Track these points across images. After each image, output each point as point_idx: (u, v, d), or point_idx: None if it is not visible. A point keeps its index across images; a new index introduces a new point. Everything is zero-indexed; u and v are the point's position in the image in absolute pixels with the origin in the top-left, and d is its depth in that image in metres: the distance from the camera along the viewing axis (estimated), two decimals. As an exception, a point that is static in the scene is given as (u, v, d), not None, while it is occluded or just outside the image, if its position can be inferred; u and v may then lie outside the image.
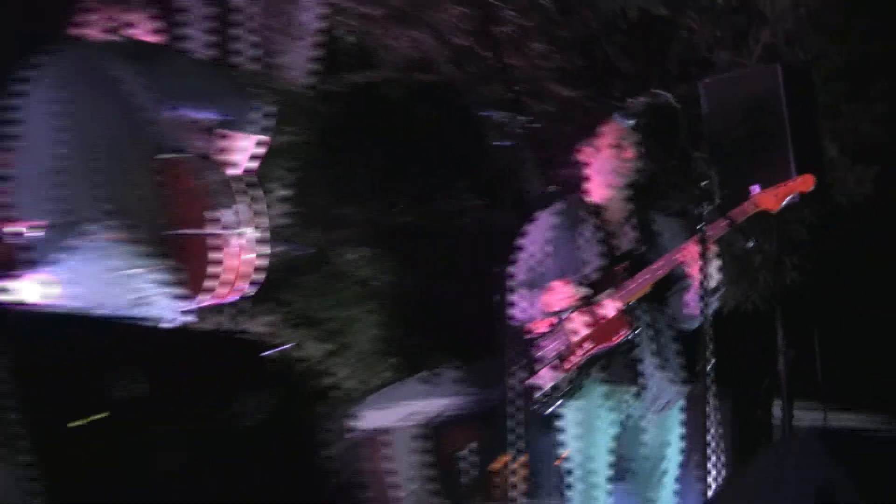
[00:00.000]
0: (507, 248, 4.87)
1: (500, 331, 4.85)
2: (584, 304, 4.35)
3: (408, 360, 8.32)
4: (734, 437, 7.61)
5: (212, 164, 3.69)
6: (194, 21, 6.71)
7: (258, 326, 6.41)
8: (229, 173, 3.66)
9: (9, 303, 3.81)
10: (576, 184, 4.70)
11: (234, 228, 3.54)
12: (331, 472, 2.56)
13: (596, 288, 4.39)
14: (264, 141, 3.78)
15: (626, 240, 4.47)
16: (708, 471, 3.88)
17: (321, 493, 2.32)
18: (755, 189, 4.34)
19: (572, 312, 4.38)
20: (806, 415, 5.67)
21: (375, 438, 7.94)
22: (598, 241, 4.48)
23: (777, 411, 6.30)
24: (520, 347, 4.66)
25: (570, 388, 4.44)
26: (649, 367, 4.33)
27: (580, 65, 7.20)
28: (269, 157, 4.06)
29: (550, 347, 4.49)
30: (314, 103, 7.22)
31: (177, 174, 3.62)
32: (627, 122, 4.42)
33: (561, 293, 4.39)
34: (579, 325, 4.41)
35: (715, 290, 4.09)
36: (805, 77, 5.04)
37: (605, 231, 4.51)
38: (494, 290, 4.84)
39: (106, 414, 1.94)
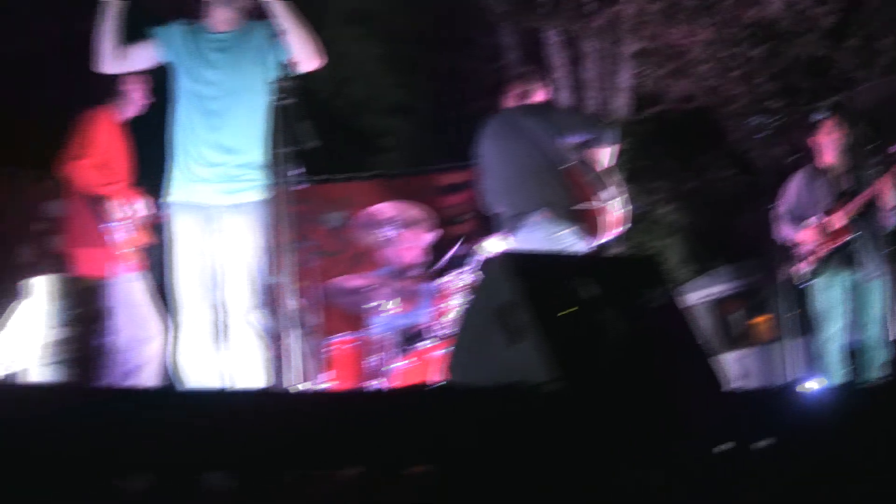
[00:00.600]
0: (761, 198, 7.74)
1: (767, 243, 7.38)
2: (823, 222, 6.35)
3: (701, 266, 12.90)
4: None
5: (590, 166, 5.51)
6: (561, 83, 10.48)
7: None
8: (599, 170, 5.51)
9: (485, 253, 6.00)
10: (811, 156, 6.66)
11: (609, 200, 5.44)
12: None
13: (829, 213, 6.32)
14: (615, 149, 5.61)
15: (845, 184, 6.39)
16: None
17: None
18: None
19: (816, 225, 6.40)
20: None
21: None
22: (828, 187, 6.41)
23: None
24: (783, 252, 6.84)
25: (817, 271, 6.39)
26: (863, 255, 6.21)
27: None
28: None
29: (804, 249, 6.44)
30: (634, 126, 10.59)
31: (574, 174, 5.45)
32: (832, 117, 6.57)
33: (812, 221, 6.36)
34: (822, 233, 6.36)
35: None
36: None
37: (832, 181, 6.42)
38: (760, 222, 7.44)
39: (575, 309, 2.91)
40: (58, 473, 1.84)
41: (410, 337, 6.75)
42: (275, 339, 4.39)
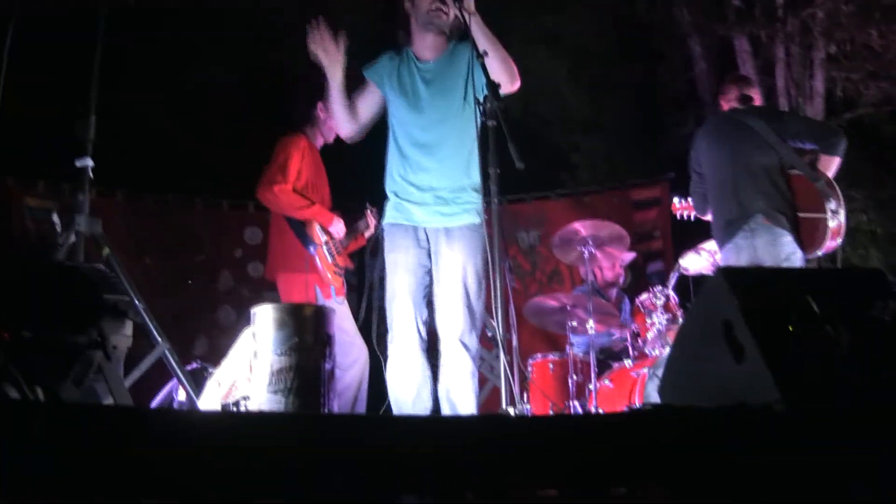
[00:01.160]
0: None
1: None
2: None
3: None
4: None
5: (818, 173, 5.26)
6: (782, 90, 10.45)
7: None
8: (826, 179, 5.24)
9: (685, 269, 6.16)
10: None
11: (833, 211, 5.16)
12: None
13: None
14: (839, 160, 5.30)
15: None
16: None
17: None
18: None
19: None
20: None
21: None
22: None
23: None
24: None
25: None
26: None
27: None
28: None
29: None
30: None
31: (801, 181, 5.31)
32: None
33: None
34: None
35: None
36: None
37: None
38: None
39: (800, 324, 2.75)
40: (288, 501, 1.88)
41: (610, 356, 6.71)
42: (484, 362, 4.42)
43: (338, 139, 5.94)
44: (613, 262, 7.18)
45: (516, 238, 9.21)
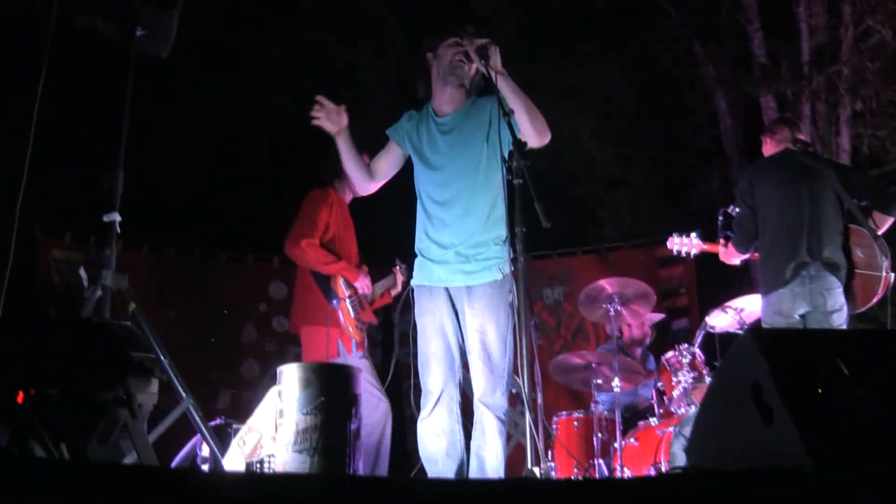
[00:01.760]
0: None
1: None
2: None
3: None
4: None
5: (872, 231, 5.31)
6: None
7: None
8: (878, 236, 5.28)
9: (711, 329, 6.17)
10: None
11: (883, 270, 5.24)
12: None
13: None
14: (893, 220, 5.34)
15: None
16: None
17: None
18: None
19: None
20: None
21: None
22: None
23: None
24: None
25: None
26: None
27: None
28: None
29: None
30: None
31: (860, 236, 5.32)
32: None
33: None
34: None
35: None
36: None
37: None
38: None
39: (831, 387, 2.68)
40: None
41: (635, 414, 6.65)
42: (512, 421, 4.39)
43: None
44: (642, 320, 7.15)
45: (541, 294, 9.21)
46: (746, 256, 5.79)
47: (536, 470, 3.55)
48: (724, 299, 6.21)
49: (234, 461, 3.97)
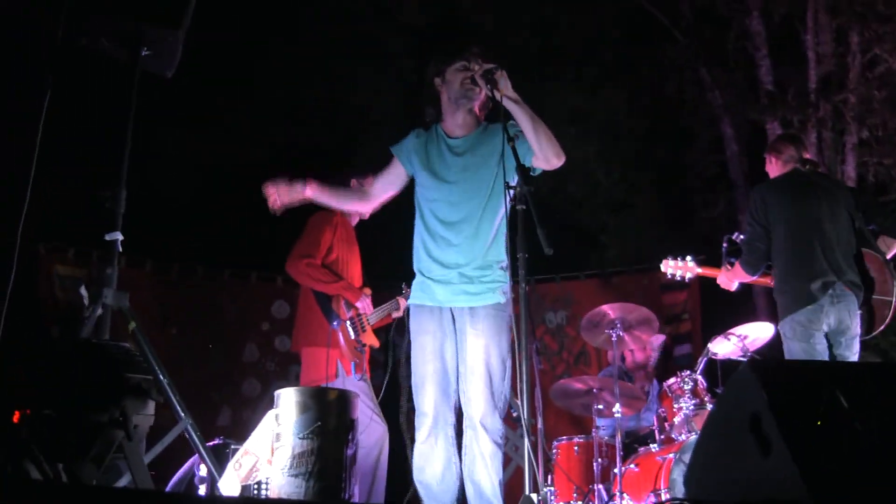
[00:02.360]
0: None
1: None
2: None
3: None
4: None
5: (884, 255, 5.32)
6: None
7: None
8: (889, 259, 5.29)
9: (713, 355, 6.05)
10: None
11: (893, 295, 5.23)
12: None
13: None
14: None
15: None
16: None
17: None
18: None
19: None
20: None
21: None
22: None
23: None
24: None
25: None
26: None
27: None
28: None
29: None
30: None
31: (873, 260, 5.33)
32: None
33: None
34: None
35: None
36: None
37: None
38: None
39: (831, 419, 2.69)
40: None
41: (636, 440, 6.63)
42: (508, 441, 4.37)
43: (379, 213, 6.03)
44: (644, 344, 7.12)
45: (544, 318, 9.20)
46: (753, 278, 5.66)
47: (534, 496, 3.53)
48: (728, 325, 6.13)
49: (229, 484, 3.95)
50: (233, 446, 4.45)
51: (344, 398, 3.91)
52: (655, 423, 6.25)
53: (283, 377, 8.84)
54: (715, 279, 5.87)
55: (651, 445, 6.15)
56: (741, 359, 6.04)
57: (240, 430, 5.56)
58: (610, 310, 6.42)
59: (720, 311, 8.29)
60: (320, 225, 5.81)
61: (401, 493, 6.94)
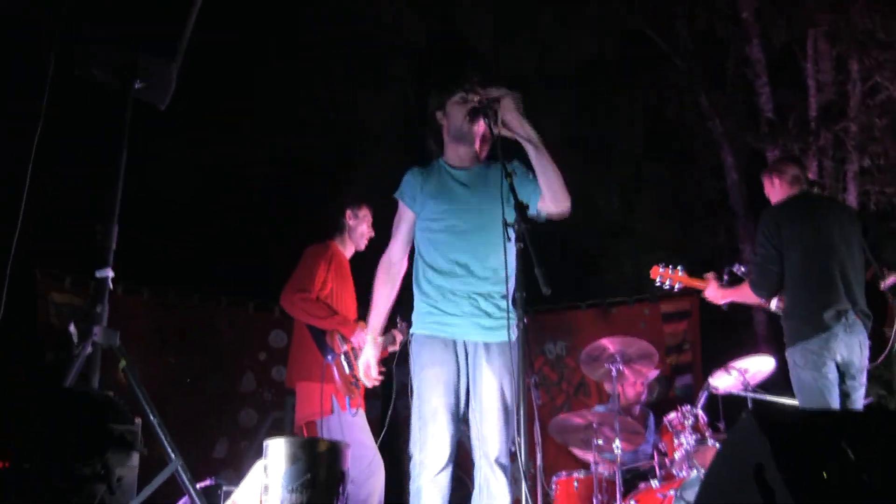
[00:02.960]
0: None
1: None
2: None
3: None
4: None
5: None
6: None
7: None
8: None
9: (714, 389, 6.02)
10: None
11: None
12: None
13: None
14: None
15: None
16: None
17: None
18: None
19: None
20: None
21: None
22: None
23: None
24: None
25: None
26: None
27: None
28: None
29: None
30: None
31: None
32: None
33: None
34: None
35: None
36: None
37: None
38: None
39: (838, 471, 2.58)
40: None
41: (636, 475, 6.54)
42: (511, 476, 4.26)
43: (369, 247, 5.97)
44: (640, 379, 7.04)
45: (543, 349, 9.11)
46: (760, 301, 5.55)
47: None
48: (729, 355, 6.07)
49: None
50: (224, 488, 4.37)
51: (335, 449, 3.82)
52: (656, 459, 6.15)
53: (280, 408, 8.76)
54: (702, 290, 5.81)
55: (651, 481, 6.05)
56: (742, 393, 5.96)
57: (237, 461, 5.50)
58: (609, 343, 6.33)
59: (721, 341, 8.23)
60: (315, 258, 5.76)
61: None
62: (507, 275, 4.01)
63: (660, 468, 6.06)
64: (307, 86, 10.71)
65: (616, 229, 11.96)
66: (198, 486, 3.79)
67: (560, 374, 9.12)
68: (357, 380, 5.56)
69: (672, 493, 5.63)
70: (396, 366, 5.02)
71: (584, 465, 6.64)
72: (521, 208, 3.63)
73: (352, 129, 10.73)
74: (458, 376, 4.07)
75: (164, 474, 3.57)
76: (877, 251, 5.38)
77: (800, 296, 5.22)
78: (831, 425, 2.77)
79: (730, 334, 6.10)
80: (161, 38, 4.10)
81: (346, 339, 5.67)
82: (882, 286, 5.30)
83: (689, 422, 5.92)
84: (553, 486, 6.32)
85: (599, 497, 6.03)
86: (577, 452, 6.80)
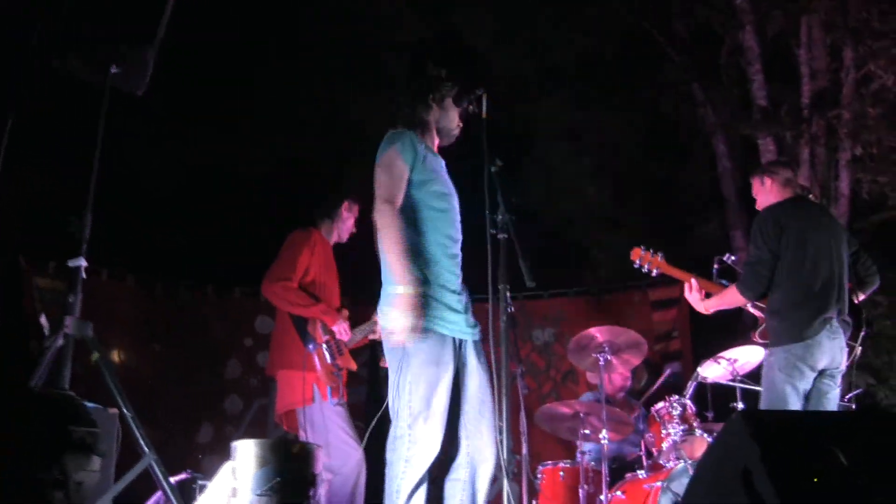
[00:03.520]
0: None
1: None
2: None
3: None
4: None
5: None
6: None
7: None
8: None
9: (703, 380, 5.96)
10: None
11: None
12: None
13: None
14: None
15: None
16: None
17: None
18: None
19: None
20: None
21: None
22: None
23: None
24: None
25: None
26: None
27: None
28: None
29: None
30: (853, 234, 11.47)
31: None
32: None
33: None
34: None
35: None
36: None
37: None
38: None
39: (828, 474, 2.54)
40: None
41: (623, 466, 6.48)
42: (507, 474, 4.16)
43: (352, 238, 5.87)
44: (627, 369, 6.97)
45: (531, 335, 9.04)
46: (744, 303, 5.41)
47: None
48: (718, 343, 6.01)
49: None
50: (199, 481, 4.29)
51: (305, 451, 3.71)
52: (643, 449, 6.09)
53: (265, 394, 8.69)
54: (683, 281, 5.68)
55: (638, 472, 6.00)
56: (731, 383, 5.89)
57: (221, 447, 5.41)
58: (598, 333, 6.26)
59: (711, 329, 8.16)
60: (297, 245, 5.67)
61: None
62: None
63: (647, 458, 6.03)
64: (307, 86, 10.65)
65: (609, 222, 11.85)
66: (173, 480, 3.71)
67: (548, 361, 9.05)
68: (339, 369, 5.47)
69: (659, 484, 5.57)
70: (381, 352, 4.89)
71: (572, 454, 6.57)
72: (507, 200, 3.53)
73: (352, 129, 10.61)
74: (451, 374, 3.82)
75: (137, 469, 3.49)
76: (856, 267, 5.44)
77: (794, 298, 5.11)
78: (823, 429, 2.70)
79: (719, 322, 5.99)
80: (139, 24, 4.00)
81: (328, 329, 5.57)
82: (856, 301, 5.35)
83: (676, 412, 5.87)
84: (539, 476, 6.26)
85: (585, 487, 5.96)
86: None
